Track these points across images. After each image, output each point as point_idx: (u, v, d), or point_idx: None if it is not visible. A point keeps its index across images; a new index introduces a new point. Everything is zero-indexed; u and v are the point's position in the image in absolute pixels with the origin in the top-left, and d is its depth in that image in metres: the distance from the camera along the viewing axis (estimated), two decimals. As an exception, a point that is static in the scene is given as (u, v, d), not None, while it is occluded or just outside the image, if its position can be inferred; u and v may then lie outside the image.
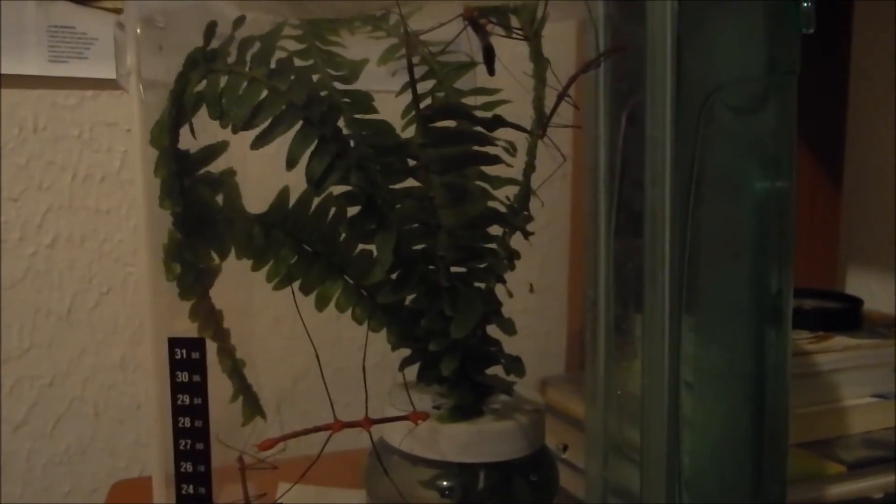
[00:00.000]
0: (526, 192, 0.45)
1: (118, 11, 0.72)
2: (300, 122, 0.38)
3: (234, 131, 0.37)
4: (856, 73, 0.87)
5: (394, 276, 0.41)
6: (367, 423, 0.40)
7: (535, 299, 0.86)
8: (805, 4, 0.37)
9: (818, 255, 0.90)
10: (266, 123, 0.37)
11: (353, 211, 0.41)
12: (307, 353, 0.81)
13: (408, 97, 0.41)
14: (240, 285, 0.50)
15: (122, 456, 0.79)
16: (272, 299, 0.73)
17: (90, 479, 0.78)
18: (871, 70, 0.87)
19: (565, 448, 0.68)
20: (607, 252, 0.61)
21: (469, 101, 0.48)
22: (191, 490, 0.37)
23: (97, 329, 0.77)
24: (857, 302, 0.75)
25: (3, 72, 0.70)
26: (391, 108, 0.47)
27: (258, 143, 0.37)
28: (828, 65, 0.87)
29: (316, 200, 0.41)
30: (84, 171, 0.75)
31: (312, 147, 0.38)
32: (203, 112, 0.40)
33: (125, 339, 0.77)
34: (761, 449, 0.47)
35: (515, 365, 0.43)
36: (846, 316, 0.73)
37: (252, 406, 0.44)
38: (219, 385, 0.43)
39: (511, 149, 0.43)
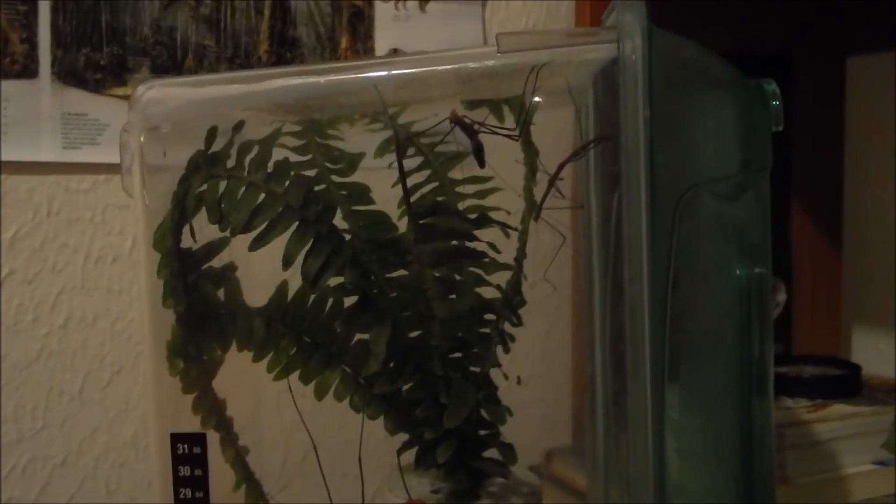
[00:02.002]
0: (518, 278, 0.46)
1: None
2: (296, 223, 0.40)
3: (233, 234, 0.39)
4: (851, 140, 0.89)
5: (389, 366, 0.43)
6: (364, 513, 0.41)
7: (541, 372, 0.88)
8: (774, 104, 0.39)
9: (820, 319, 0.91)
10: (263, 226, 0.39)
11: (349, 302, 0.43)
12: (316, 427, 0.82)
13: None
14: (246, 366, 0.51)
15: (133, 533, 0.80)
16: (269, 385, 0.74)
17: (102, 558, 0.79)
18: (867, 137, 0.88)
19: None
20: (603, 329, 0.62)
21: (462, 189, 0.49)
22: (194, 581, 0.39)
23: (109, 408, 0.78)
24: (855, 368, 0.76)
25: (19, 158, 0.73)
26: (393, 194, 0.48)
27: (256, 244, 0.39)
28: (823, 133, 0.89)
29: (313, 295, 0.43)
30: (97, 253, 0.77)
31: (308, 246, 0.40)
32: (203, 216, 0.42)
33: (137, 417, 0.79)
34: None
35: (508, 452, 0.44)
36: (845, 383, 0.73)
37: (255, 495, 0.45)
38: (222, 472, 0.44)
39: (503, 237, 0.45)
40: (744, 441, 0.47)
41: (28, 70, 0.72)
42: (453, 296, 0.43)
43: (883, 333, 0.89)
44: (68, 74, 0.73)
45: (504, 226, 0.41)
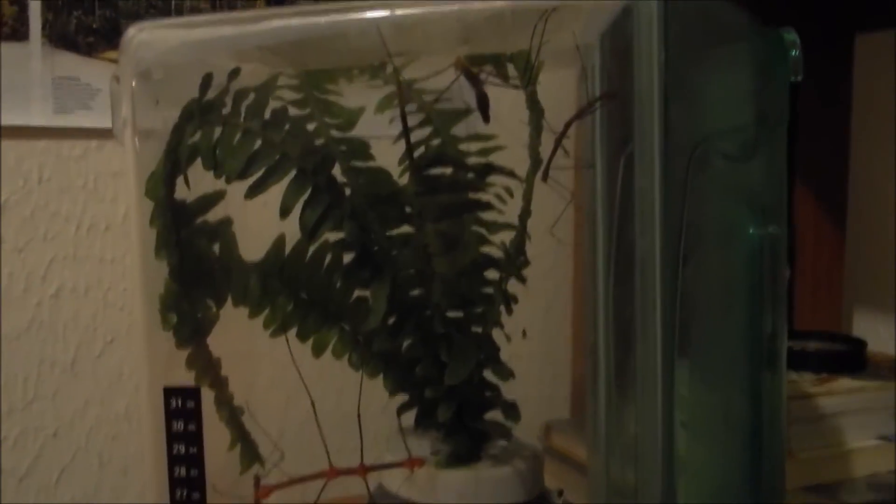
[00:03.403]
0: (522, 237, 0.45)
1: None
2: (294, 172, 0.39)
3: (228, 182, 0.38)
4: (857, 119, 0.88)
5: (389, 323, 0.41)
6: (363, 470, 0.40)
7: (540, 343, 0.87)
8: (794, 53, 0.38)
9: (822, 299, 0.90)
10: (260, 174, 0.38)
11: (348, 258, 0.42)
12: (308, 407, 0.81)
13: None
14: (242, 332, 0.50)
15: (126, 506, 0.78)
16: (276, 346, 0.73)
17: (95, 531, 0.77)
18: (872, 115, 0.88)
19: (560, 493, 0.67)
20: (606, 298, 0.61)
21: (465, 147, 0.48)
22: (187, 540, 0.37)
23: (102, 379, 0.77)
24: (860, 344, 0.75)
25: (9, 123, 0.71)
26: (391, 155, 0.47)
27: (252, 192, 0.38)
28: (829, 111, 0.88)
29: (311, 249, 0.42)
30: (89, 222, 0.75)
31: (306, 196, 0.39)
32: (199, 162, 0.40)
33: (130, 389, 0.77)
34: (758, 490, 0.46)
35: (511, 410, 0.43)
36: (850, 358, 0.73)
37: (250, 453, 0.44)
38: (217, 433, 0.43)
39: (506, 194, 0.44)
40: (754, 416, 0.46)
41: (18, 33, 0.71)
42: (455, 252, 0.41)
43: (884, 314, 0.88)
44: (59, 38, 0.72)
45: (511, 175, 0.39)
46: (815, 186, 0.88)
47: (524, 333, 0.43)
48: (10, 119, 0.71)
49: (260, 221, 0.45)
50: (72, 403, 0.76)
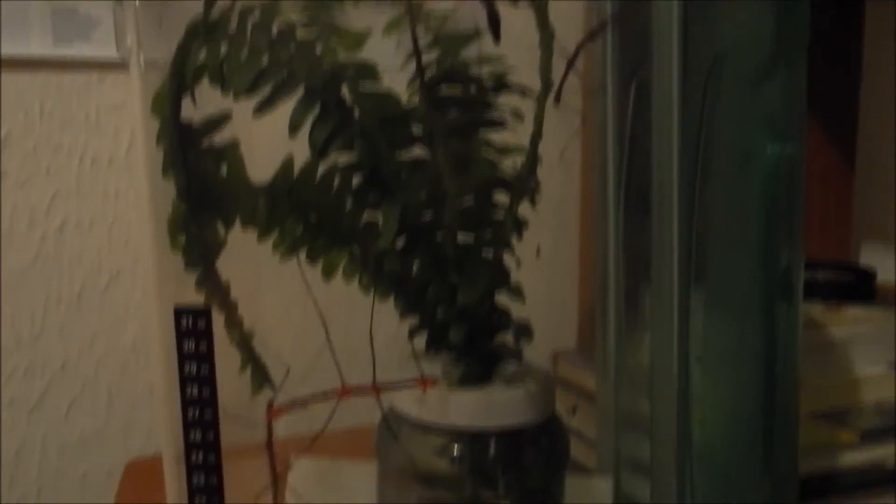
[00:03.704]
0: (533, 160, 0.44)
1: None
2: (302, 90, 0.38)
3: (236, 98, 0.37)
4: (869, 48, 0.86)
5: (399, 245, 0.41)
6: (375, 389, 0.39)
7: (547, 275, 0.86)
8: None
9: (831, 230, 0.90)
10: (268, 91, 0.37)
11: (357, 181, 0.41)
12: (319, 337, 0.81)
13: (413, 71, 0.41)
14: (251, 258, 0.50)
15: (136, 439, 0.79)
16: (282, 282, 0.73)
17: (105, 461, 0.78)
18: (884, 45, 0.86)
19: (574, 410, 0.68)
20: (617, 226, 0.61)
21: (476, 70, 0.47)
22: (200, 459, 0.37)
23: (108, 313, 0.77)
24: (869, 274, 0.74)
25: (9, 53, 0.70)
26: (398, 85, 0.46)
27: (261, 109, 0.37)
28: (841, 40, 0.86)
29: (320, 170, 0.41)
30: (91, 155, 0.75)
31: (315, 115, 0.38)
32: (205, 87, 0.40)
33: (136, 323, 0.78)
34: (772, 421, 0.46)
35: (524, 330, 0.43)
36: (859, 287, 0.72)
37: (260, 376, 0.44)
38: (227, 364, 0.43)
39: (517, 115, 0.43)
40: (768, 349, 0.45)
41: (16, -38, 0.69)
42: (466, 173, 0.41)
43: (892, 247, 0.88)
44: (58, -34, 0.70)
45: (523, 93, 0.39)
46: (824, 117, 0.87)
47: (538, 250, 0.42)
48: (10, 49, 0.70)
49: (267, 144, 0.44)
50: (79, 337, 0.76)
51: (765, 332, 0.45)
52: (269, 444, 0.42)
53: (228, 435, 0.39)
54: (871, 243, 0.91)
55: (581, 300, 0.86)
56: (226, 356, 0.44)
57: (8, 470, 0.75)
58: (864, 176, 0.90)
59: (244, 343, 0.44)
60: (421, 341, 0.45)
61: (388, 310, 0.44)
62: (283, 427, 0.44)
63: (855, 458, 0.58)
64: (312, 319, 0.79)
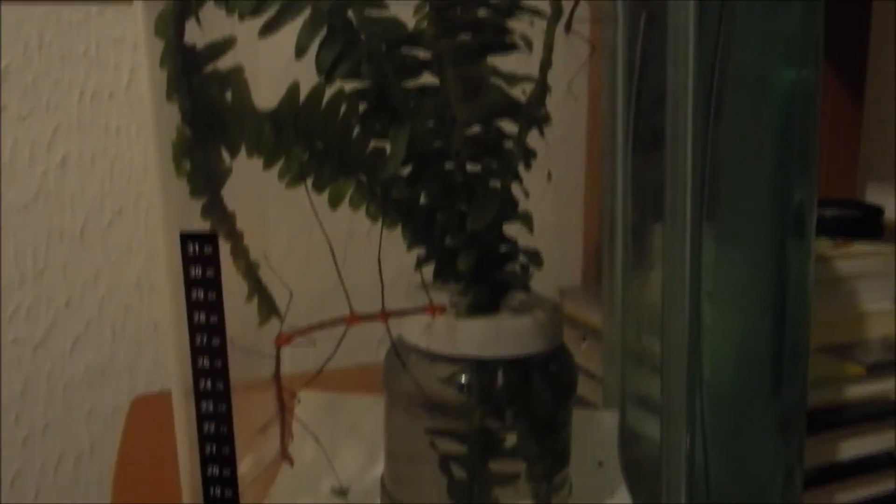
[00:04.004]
0: (542, 88, 0.44)
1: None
2: (308, 11, 0.37)
3: (241, 19, 0.36)
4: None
5: (407, 172, 0.41)
6: (384, 315, 0.39)
7: (552, 211, 0.86)
8: None
9: (837, 169, 0.89)
10: (273, 11, 0.36)
11: (364, 107, 0.40)
12: (323, 272, 0.80)
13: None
14: (253, 203, 0.49)
15: (141, 376, 0.79)
16: (286, 216, 0.72)
17: (111, 397, 0.78)
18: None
19: (585, 339, 0.68)
20: (625, 160, 0.60)
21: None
22: (209, 386, 0.37)
23: (111, 250, 0.76)
24: (877, 211, 0.74)
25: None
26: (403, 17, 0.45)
27: (266, 31, 0.36)
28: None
29: (327, 97, 0.41)
30: (92, 89, 0.74)
31: (321, 37, 0.37)
32: (211, 11, 0.39)
33: (140, 260, 0.77)
34: (781, 355, 0.46)
35: (534, 257, 0.43)
36: (866, 224, 0.72)
37: (267, 306, 0.44)
38: (234, 298, 0.42)
39: (526, 42, 0.42)
40: (780, 284, 0.45)
41: None
42: (475, 97, 0.40)
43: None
44: None
45: (536, 13, 0.38)
46: (833, 53, 0.86)
47: (549, 175, 0.42)
48: (7, -21, 0.69)
49: (272, 72, 0.43)
50: (82, 274, 0.76)
51: (776, 268, 0.45)
52: (277, 372, 0.42)
53: (236, 370, 0.39)
54: (877, 182, 0.90)
55: (586, 237, 0.86)
56: (232, 292, 0.44)
57: (14, 406, 0.75)
58: (871, 114, 0.89)
59: (250, 272, 0.43)
60: (428, 272, 0.44)
61: (393, 245, 0.43)
62: (289, 365, 0.44)
63: (861, 391, 0.58)
64: (318, 254, 0.78)
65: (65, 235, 0.75)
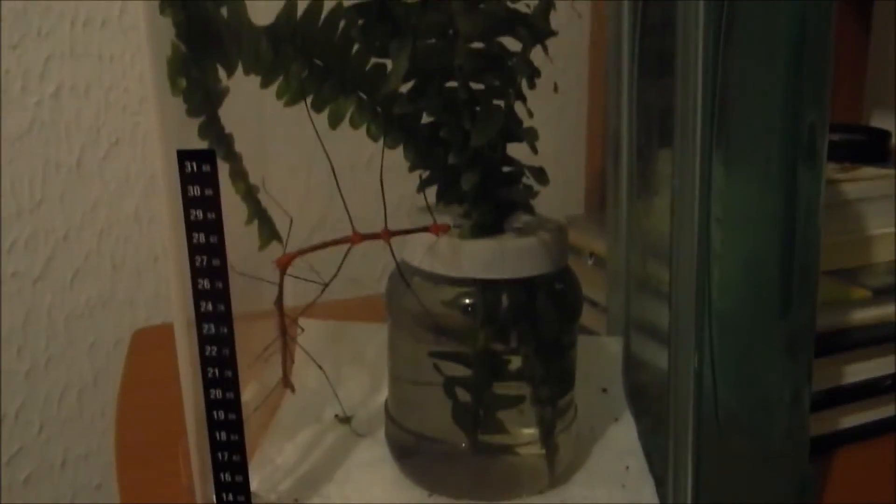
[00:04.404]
0: (547, 2, 0.42)
1: None
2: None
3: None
4: None
5: (409, 87, 0.39)
6: (386, 234, 0.39)
7: (554, 137, 0.85)
8: None
9: (844, 95, 0.88)
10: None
11: (364, 21, 0.39)
12: (324, 203, 0.80)
13: None
14: (253, 130, 0.48)
15: (142, 308, 0.79)
16: (286, 148, 0.71)
17: (113, 330, 0.78)
18: None
19: (591, 255, 0.67)
20: (631, 84, 0.59)
21: None
22: (210, 308, 0.37)
23: (109, 181, 0.76)
24: (884, 134, 0.73)
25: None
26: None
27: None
28: None
29: (325, 11, 0.39)
30: (84, 17, 0.72)
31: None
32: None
33: (138, 191, 0.76)
34: (791, 277, 0.46)
35: (539, 174, 0.42)
36: (873, 148, 0.71)
37: (267, 229, 0.43)
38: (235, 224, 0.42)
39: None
40: (789, 210, 0.44)
41: None
42: (478, 8, 0.39)
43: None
44: None
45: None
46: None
47: (556, 87, 0.41)
48: None
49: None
50: (80, 205, 0.75)
51: (787, 191, 0.44)
52: (279, 296, 0.42)
53: (238, 301, 0.39)
54: (883, 108, 0.89)
55: (589, 164, 0.85)
56: (233, 222, 0.43)
57: (16, 340, 0.75)
58: (878, 39, 0.87)
59: (250, 195, 0.42)
60: (431, 194, 0.44)
61: (395, 175, 0.42)
62: (291, 299, 0.43)
63: (866, 314, 0.57)
64: (318, 183, 0.78)
65: (61, 167, 0.74)
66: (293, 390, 0.47)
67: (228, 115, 0.42)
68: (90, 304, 0.77)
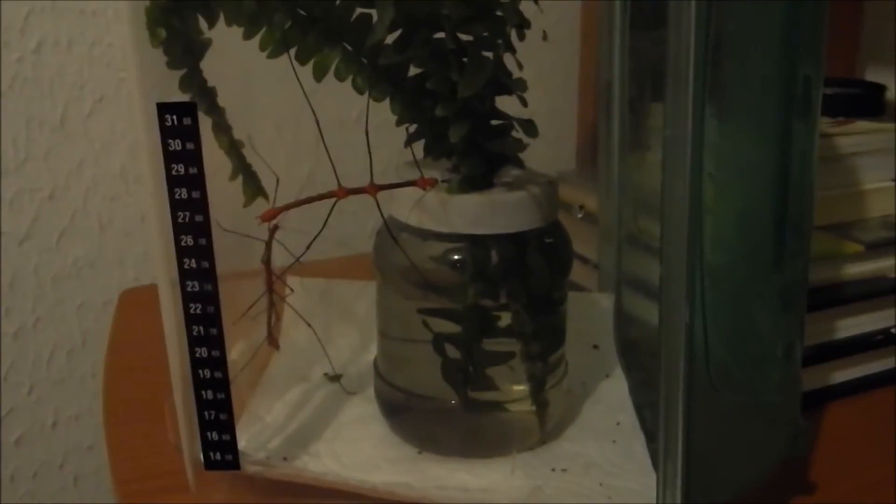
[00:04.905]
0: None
1: None
2: None
3: None
4: None
5: (395, 37, 0.38)
6: (373, 188, 0.38)
7: (545, 92, 0.84)
8: None
9: (839, 51, 0.87)
10: None
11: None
12: (311, 161, 0.79)
13: None
14: (239, 86, 0.47)
15: (131, 268, 0.78)
16: (272, 105, 0.70)
17: (101, 291, 0.78)
18: None
19: (581, 208, 0.67)
20: (622, 38, 0.58)
21: None
22: (193, 265, 0.36)
23: (94, 139, 0.74)
24: (879, 88, 0.72)
25: None
26: None
27: None
28: None
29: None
30: (65, -30, 0.71)
31: None
32: None
33: (124, 149, 0.75)
34: (784, 233, 0.45)
35: (528, 126, 0.41)
36: (868, 101, 0.70)
37: (253, 184, 0.42)
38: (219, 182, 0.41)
39: None
40: (783, 165, 0.43)
41: None
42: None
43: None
44: None
45: None
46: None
47: (544, 35, 0.40)
48: None
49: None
50: (65, 164, 0.74)
51: (781, 145, 0.44)
52: (267, 252, 0.41)
53: (225, 260, 0.38)
54: (878, 62, 0.88)
55: (581, 119, 0.84)
56: (219, 174, 0.42)
57: (3, 300, 0.75)
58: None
59: (234, 149, 0.42)
60: (420, 149, 0.43)
61: (383, 132, 0.41)
62: (278, 259, 0.43)
63: (860, 269, 0.57)
64: (305, 141, 0.76)
65: (45, 124, 0.72)
66: (278, 348, 0.46)
67: (212, 68, 0.41)
68: (77, 265, 0.76)
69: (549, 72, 0.84)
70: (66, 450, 0.79)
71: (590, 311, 0.57)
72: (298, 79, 0.38)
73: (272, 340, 0.45)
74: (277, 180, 0.41)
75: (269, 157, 0.45)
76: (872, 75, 0.87)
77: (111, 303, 0.76)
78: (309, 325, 0.47)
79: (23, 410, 0.77)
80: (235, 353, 0.46)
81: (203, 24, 0.40)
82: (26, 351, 0.76)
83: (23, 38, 0.70)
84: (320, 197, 0.37)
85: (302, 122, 0.78)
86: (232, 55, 0.42)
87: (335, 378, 0.50)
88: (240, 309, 0.44)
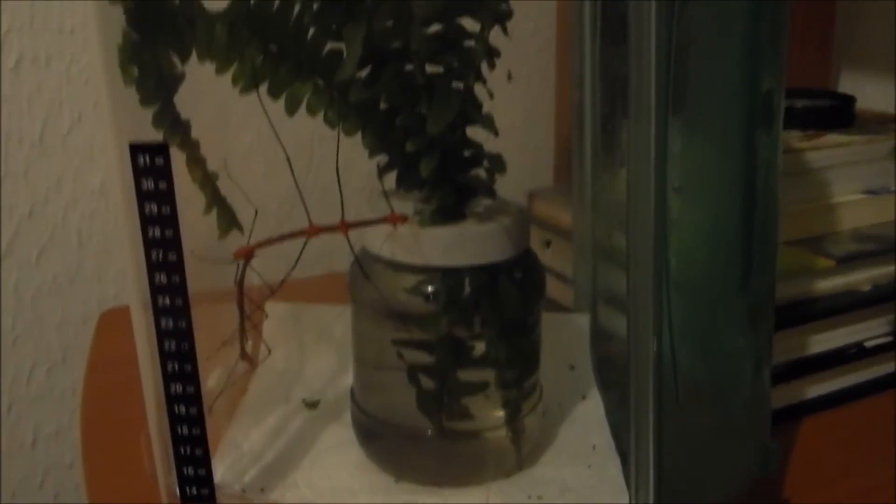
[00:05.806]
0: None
1: None
2: None
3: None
4: None
5: (365, 73, 0.39)
6: (344, 226, 0.38)
7: (522, 110, 0.84)
8: None
9: (811, 58, 0.87)
10: None
11: (319, 4, 0.39)
12: (289, 178, 0.79)
13: None
14: (212, 117, 0.47)
15: (111, 284, 0.79)
16: (248, 122, 0.70)
17: (81, 307, 0.78)
18: None
19: (549, 244, 0.67)
20: (593, 54, 0.58)
21: None
22: (167, 302, 0.36)
23: (73, 155, 0.75)
24: (848, 100, 0.73)
25: None
26: None
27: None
28: None
29: (279, -4, 0.39)
30: (41, -11, 0.71)
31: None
32: None
33: (103, 166, 0.76)
34: (750, 246, 0.46)
35: (496, 162, 0.41)
36: (838, 113, 0.71)
37: (227, 218, 0.43)
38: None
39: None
40: (748, 176, 0.44)
41: None
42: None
43: (874, 75, 0.86)
44: None
45: None
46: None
47: (509, 76, 0.40)
48: None
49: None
50: (44, 181, 0.74)
51: (745, 158, 0.44)
52: (240, 285, 0.41)
53: (200, 282, 0.38)
54: (851, 70, 0.89)
55: (558, 135, 0.85)
56: (195, 200, 0.43)
57: (-17, 317, 0.75)
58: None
59: (208, 183, 0.42)
60: (391, 180, 0.43)
61: (361, 150, 0.42)
62: (255, 279, 0.43)
63: (832, 283, 0.58)
64: (282, 159, 0.77)
65: (24, 141, 0.73)
66: (251, 364, 0.46)
67: (185, 96, 0.42)
68: (57, 281, 0.76)
69: (525, 86, 0.85)
70: (46, 467, 0.79)
71: (565, 331, 0.57)
72: (269, 117, 0.38)
73: (244, 355, 0.45)
74: (256, 213, 0.42)
75: (245, 177, 0.45)
76: (846, 81, 0.88)
77: (91, 319, 0.76)
78: (269, 351, 0.47)
79: (2, 428, 0.77)
80: (212, 380, 0.46)
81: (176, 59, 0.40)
82: (6, 368, 0.76)
83: (1, 56, 0.70)
84: (291, 235, 0.38)
85: (280, 135, 0.79)
86: (204, 80, 0.42)
87: (313, 405, 0.51)
88: (218, 333, 0.44)
